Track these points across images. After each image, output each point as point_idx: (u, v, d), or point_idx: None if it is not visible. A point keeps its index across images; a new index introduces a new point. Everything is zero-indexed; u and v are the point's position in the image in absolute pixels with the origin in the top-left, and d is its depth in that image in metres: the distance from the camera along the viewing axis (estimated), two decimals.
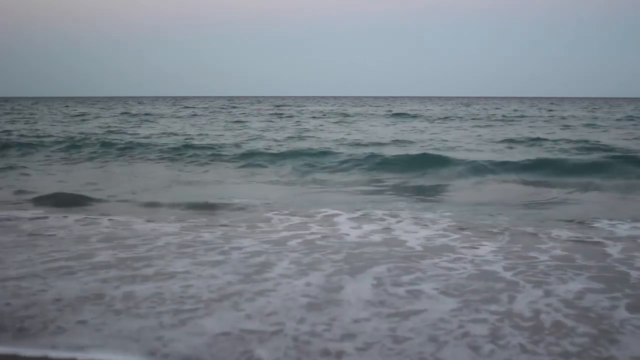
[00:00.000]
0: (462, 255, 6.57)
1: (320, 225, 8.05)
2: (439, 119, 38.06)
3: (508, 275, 5.89)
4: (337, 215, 8.73)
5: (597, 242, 7.19)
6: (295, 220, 8.40)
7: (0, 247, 6.91)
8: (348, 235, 7.62)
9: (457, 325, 4.61)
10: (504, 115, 38.65)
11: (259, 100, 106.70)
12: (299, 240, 7.29)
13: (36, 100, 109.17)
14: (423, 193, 11.29)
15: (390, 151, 16.77)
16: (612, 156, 15.16)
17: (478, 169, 13.64)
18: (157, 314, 4.82)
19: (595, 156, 15.54)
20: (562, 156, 15.73)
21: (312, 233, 7.62)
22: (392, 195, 11.11)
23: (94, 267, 6.10)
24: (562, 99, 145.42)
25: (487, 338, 4.41)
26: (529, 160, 14.57)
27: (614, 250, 6.84)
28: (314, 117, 39.87)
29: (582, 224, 8.28)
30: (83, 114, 43.86)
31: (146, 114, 43.93)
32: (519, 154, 16.32)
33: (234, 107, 60.62)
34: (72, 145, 19.72)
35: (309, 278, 5.80)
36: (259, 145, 19.31)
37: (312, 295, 5.30)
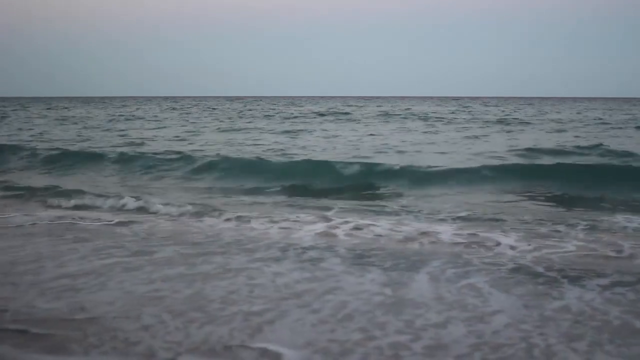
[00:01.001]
0: (494, 251, 5.88)
1: (341, 224, 7.13)
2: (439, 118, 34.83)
3: (539, 269, 5.24)
4: (349, 214, 7.79)
5: (610, 238, 6.51)
6: (312, 219, 7.45)
7: (58, 245, 6.09)
8: (378, 226, 6.89)
9: (536, 326, 3.87)
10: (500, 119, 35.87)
11: (256, 99, 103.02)
12: (340, 236, 6.55)
13: (35, 100, 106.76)
14: (423, 195, 10.30)
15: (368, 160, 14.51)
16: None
17: (472, 172, 12.35)
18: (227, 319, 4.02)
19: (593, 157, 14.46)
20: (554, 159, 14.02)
21: (341, 230, 6.83)
22: (391, 196, 10.15)
23: (156, 264, 5.30)
24: (562, 99, 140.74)
25: (584, 342, 3.67)
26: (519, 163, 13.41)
27: (627, 243, 6.17)
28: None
29: (588, 220, 7.50)
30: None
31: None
32: (513, 157, 14.81)
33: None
34: None
35: (372, 275, 5.02)
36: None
37: (383, 294, 4.52)
